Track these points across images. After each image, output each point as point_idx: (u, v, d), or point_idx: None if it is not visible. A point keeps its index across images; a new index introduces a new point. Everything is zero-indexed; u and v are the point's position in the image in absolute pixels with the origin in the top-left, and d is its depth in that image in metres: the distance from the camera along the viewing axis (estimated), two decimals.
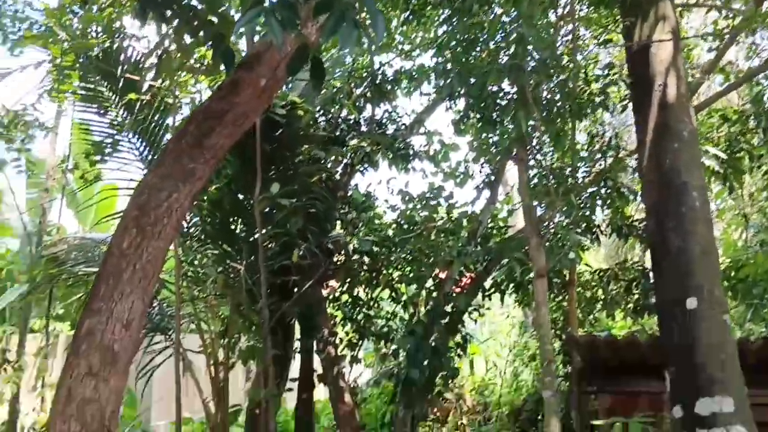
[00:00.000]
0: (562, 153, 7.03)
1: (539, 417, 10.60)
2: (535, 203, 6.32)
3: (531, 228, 5.70)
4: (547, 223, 6.84)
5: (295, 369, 9.44)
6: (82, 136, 9.93)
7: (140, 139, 7.58)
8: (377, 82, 8.77)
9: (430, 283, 8.92)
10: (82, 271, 9.47)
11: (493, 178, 8.60)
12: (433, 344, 7.81)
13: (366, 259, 8.95)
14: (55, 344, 12.87)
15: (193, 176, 3.69)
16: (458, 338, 8.57)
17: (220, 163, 3.84)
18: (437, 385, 8.75)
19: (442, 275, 8.66)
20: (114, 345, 3.41)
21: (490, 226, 9.08)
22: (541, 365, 6.68)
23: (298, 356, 9.52)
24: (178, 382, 6.09)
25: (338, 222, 9.09)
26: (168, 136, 7.28)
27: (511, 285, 8.93)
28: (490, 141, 6.52)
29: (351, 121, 9.18)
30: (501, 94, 5.87)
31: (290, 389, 8.77)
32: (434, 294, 8.63)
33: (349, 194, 9.98)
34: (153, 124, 7.45)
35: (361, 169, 10.15)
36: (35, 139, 11.01)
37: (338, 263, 9.06)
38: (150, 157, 7.36)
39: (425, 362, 7.62)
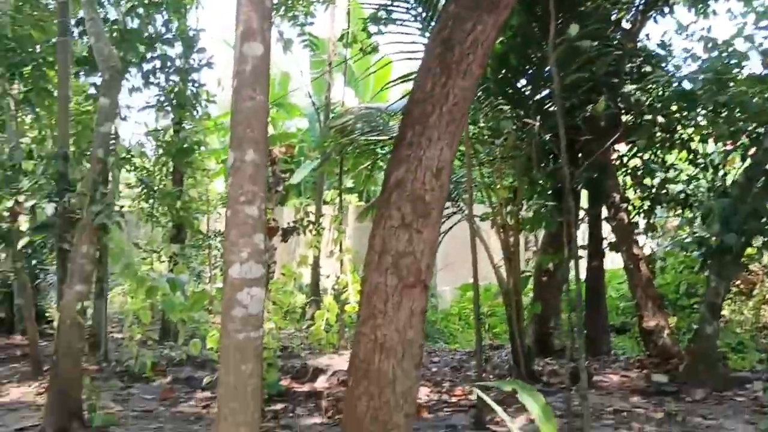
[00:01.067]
0: None
1: None
2: None
3: None
4: None
5: (582, 237, 8.99)
6: (360, 7, 9.97)
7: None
8: None
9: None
10: (369, 140, 9.82)
11: None
12: (750, 206, 6.76)
13: (660, 118, 7.91)
14: (344, 215, 13.73)
15: (497, 5, 3.22)
16: None
17: None
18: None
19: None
20: (425, 195, 3.19)
21: None
22: None
23: (584, 224, 9.06)
24: (474, 247, 5.95)
25: (628, 77, 8.13)
26: None
27: None
28: None
29: None
30: None
31: (580, 257, 8.31)
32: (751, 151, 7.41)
33: (640, 45, 8.88)
34: None
35: (654, 15, 8.93)
36: (316, 16, 11.37)
37: (630, 123, 8.19)
38: (428, 16, 7.02)
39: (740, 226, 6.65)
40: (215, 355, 6.49)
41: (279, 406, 6.65)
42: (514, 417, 5.54)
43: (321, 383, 7.72)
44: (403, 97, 8.64)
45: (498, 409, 2.23)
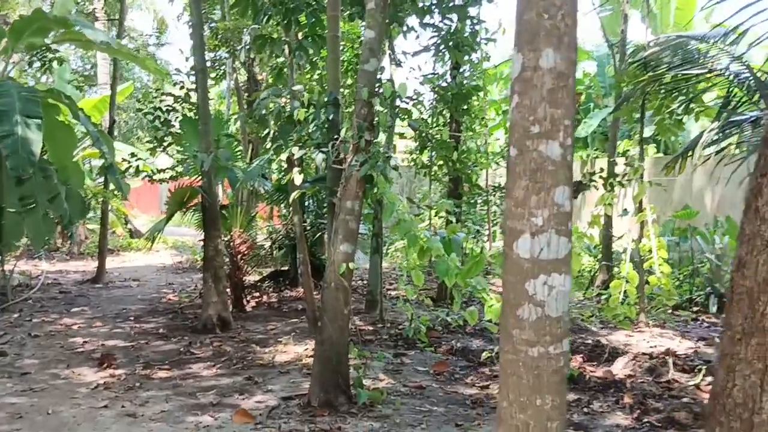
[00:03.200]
0: None
1: None
2: None
3: None
4: None
5: None
6: None
7: None
8: None
9: None
10: (680, 76, 8.00)
11: None
12: None
13: None
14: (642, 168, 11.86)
15: None
16: None
17: None
18: None
19: None
20: None
21: None
22: None
23: None
24: None
25: None
26: None
27: None
28: None
29: None
30: None
31: None
32: None
33: None
34: None
35: None
36: None
37: None
38: None
39: None
40: (494, 328, 5.52)
41: (570, 396, 5.49)
42: None
43: (620, 368, 6.39)
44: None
45: None
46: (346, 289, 5.19)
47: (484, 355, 6.59)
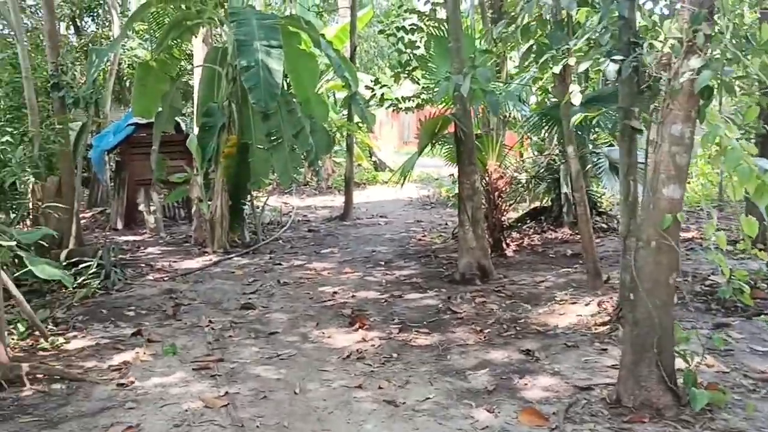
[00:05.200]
0: None
1: None
2: None
3: None
4: None
5: None
6: None
7: None
8: None
9: None
10: None
11: None
12: None
13: None
14: None
15: None
16: None
17: None
18: None
19: None
20: None
21: None
22: None
23: None
24: None
25: None
26: None
27: None
28: None
29: None
30: None
31: None
32: None
33: None
34: None
35: None
36: None
37: None
38: None
39: None
40: None
41: None
42: None
43: None
44: None
45: None
46: (672, 249, 3.70)
47: None
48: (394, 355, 4.80)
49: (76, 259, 6.83)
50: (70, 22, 15.08)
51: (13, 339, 4.99)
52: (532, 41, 7.05)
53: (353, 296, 6.52)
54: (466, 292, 6.46)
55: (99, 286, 6.63)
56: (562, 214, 9.09)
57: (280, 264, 8.06)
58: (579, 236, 8.69)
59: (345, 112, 13.98)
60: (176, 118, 10.10)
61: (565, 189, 8.95)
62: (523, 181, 9.48)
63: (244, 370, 4.52)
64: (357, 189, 14.68)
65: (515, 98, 8.20)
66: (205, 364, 4.60)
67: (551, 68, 6.01)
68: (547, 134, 8.56)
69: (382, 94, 9.32)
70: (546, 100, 8.96)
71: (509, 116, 9.21)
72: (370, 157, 18.73)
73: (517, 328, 5.36)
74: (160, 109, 9.29)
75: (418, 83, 9.39)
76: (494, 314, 5.75)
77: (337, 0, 17.23)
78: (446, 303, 6.14)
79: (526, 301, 6.15)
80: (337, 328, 5.48)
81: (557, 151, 9.17)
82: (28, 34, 11.97)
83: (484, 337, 5.18)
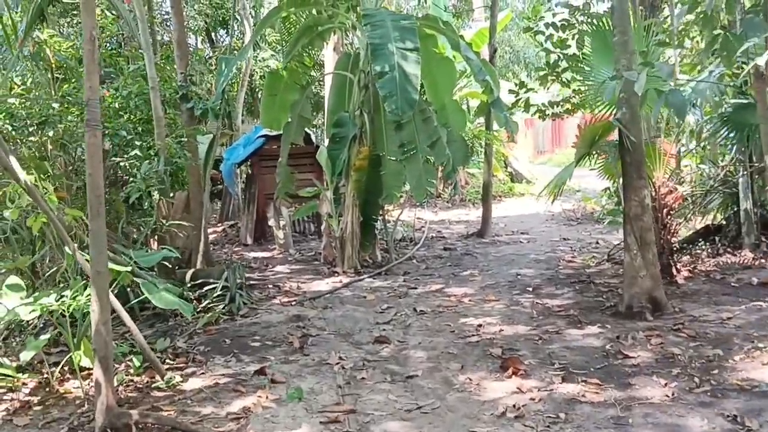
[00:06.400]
0: None
1: None
2: None
3: None
4: None
5: None
6: None
7: None
8: None
9: None
10: None
11: None
12: None
13: None
14: None
15: None
16: None
17: None
18: None
19: None
20: None
21: None
22: None
23: None
24: None
25: None
26: None
27: None
28: None
29: None
30: None
31: None
32: None
33: None
34: None
35: None
36: None
37: None
38: None
39: None
40: None
41: None
42: None
43: None
44: None
45: None
46: None
47: None
48: (561, 415, 3.89)
49: (201, 280, 6.43)
50: (205, 35, 15.32)
51: (129, 374, 4.56)
52: (717, 30, 5.93)
53: (501, 331, 5.65)
54: (637, 330, 5.42)
55: (223, 311, 6.20)
56: (742, 234, 7.75)
57: (415, 288, 7.34)
58: (765, 261, 7.37)
59: (480, 120, 13.15)
60: (306, 129, 9.67)
61: (745, 204, 7.64)
62: (689, 195, 8.22)
63: (380, 426, 3.79)
64: (493, 202, 13.77)
65: (704, 97, 7.00)
66: (335, 417, 3.91)
67: (746, 62, 4.90)
68: (731, 142, 7.30)
69: (527, 99, 8.40)
70: (723, 101, 7.67)
71: (677, 122, 8.00)
72: (506, 167, 17.71)
73: (712, 382, 4.28)
74: (289, 119, 8.90)
75: (567, 86, 8.40)
76: (678, 362, 4.69)
77: (471, 1, 16.41)
78: (615, 344, 5.14)
79: (715, 344, 5.02)
80: (486, 373, 4.64)
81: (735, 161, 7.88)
82: (163, 47, 12.06)
83: (672, 393, 4.15)
